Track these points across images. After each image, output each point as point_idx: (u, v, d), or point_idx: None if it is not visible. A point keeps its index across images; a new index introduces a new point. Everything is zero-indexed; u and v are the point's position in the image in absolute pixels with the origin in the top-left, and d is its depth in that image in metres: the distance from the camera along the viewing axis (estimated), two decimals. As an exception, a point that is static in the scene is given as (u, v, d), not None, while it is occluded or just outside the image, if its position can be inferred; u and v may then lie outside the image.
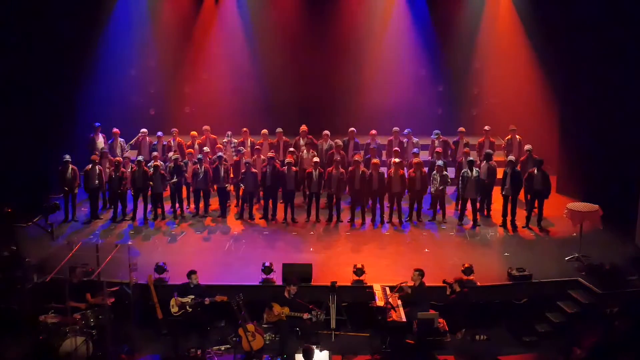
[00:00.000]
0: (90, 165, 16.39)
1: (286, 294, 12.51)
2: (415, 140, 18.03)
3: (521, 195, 16.44)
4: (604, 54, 16.35)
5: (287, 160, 16.72)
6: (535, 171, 15.85)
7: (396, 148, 17.57)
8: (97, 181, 16.41)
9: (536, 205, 16.11)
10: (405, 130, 18.13)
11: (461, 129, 18.23)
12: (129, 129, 19.07)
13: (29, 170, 16.59)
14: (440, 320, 12.05)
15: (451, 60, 21.18)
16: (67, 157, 16.34)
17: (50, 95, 17.22)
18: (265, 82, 21.02)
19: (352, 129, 18.12)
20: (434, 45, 21.12)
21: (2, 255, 13.56)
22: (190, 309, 12.38)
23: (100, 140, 17.86)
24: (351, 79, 21.04)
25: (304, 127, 18.13)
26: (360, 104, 20.63)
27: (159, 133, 18.22)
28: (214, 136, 18.36)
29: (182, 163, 16.84)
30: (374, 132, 18.12)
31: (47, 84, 17.07)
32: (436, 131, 18.19)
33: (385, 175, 16.36)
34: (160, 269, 13.37)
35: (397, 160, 16.56)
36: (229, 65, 21.23)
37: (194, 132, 18.26)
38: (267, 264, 13.52)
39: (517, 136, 18.08)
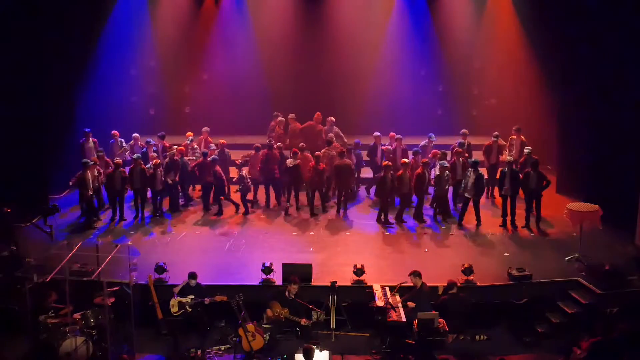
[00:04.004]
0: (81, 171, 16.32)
1: (287, 294, 12.53)
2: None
3: (521, 195, 16.44)
4: (603, 54, 16.36)
5: (278, 144, 17.43)
6: (532, 171, 15.86)
7: (381, 153, 17.77)
8: (96, 184, 16.39)
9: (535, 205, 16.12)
10: (430, 135, 18.18)
11: (464, 130, 18.19)
12: (129, 129, 19.04)
13: (29, 171, 16.56)
14: (440, 320, 12.04)
15: (451, 60, 21.19)
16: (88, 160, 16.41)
17: (50, 95, 17.20)
18: (264, 83, 21.01)
19: (377, 133, 18.04)
20: (434, 45, 21.14)
21: (2, 255, 13.59)
22: (190, 309, 12.39)
23: (90, 146, 17.64)
24: (351, 79, 21.03)
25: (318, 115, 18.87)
26: (359, 104, 20.66)
27: (149, 139, 18.15)
28: (211, 139, 18.50)
29: (177, 159, 16.96)
30: (393, 134, 18.10)
31: (47, 84, 17.05)
32: (430, 134, 18.23)
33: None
34: (160, 269, 13.37)
35: (405, 160, 16.64)
36: (229, 66, 21.24)
37: (189, 133, 18.31)
38: (267, 264, 13.52)
39: (522, 137, 18.03)
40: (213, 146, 18.11)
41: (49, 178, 17.24)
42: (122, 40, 20.17)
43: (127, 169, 16.76)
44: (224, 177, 16.81)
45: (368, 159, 18.12)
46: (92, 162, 16.41)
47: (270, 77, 20.99)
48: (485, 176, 16.89)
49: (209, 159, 16.85)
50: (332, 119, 18.77)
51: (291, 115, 19.00)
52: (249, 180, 17.01)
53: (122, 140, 18.20)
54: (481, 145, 18.23)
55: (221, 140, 18.33)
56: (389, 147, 17.84)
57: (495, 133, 18.03)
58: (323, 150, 17.53)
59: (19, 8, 16.23)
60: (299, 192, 17.34)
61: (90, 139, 17.77)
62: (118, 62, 20.35)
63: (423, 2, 21.06)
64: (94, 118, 18.78)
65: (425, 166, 16.38)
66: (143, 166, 16.46)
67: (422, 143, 18.05)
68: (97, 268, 11.94)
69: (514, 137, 18.13)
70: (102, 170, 16.63)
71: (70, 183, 16.70)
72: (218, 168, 16.64)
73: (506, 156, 17.37)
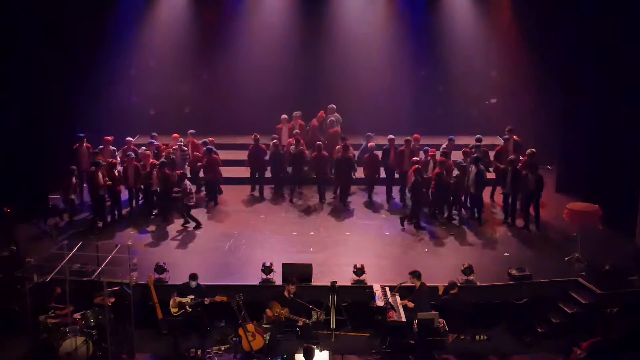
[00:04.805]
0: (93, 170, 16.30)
1: (286, 294, 12.54)
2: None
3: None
4: (604, 54, 16.37)
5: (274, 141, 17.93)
6: (529, 173, 15.83)
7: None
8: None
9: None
10: (451, 137, 18.06)
11: (478, 136, 17.94)
12: (129, 130, 19.06)
13: (29, 171, 16.56)
14: (440, 320, 12.05)
15: (451, 60, 21.18)
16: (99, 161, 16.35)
17: (50, 95, 17.20)
18: (265, 83, 20.91)
19: (391, 136, 17.89)
20: (434, 44, 21.12)
21: (2, 255, 13.59)
22: (190, 309, 12.39)
23: (84, 151, 17.39)
24: (351, 79, 20.98)
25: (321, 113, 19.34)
26: (360, 104, 20.62)
27: (152, 140, 18.12)
28: (197, 141, 18.41)
29: (174, 156, 17.17)
30: (417, 135, 18.04)
31: (48, 84, 17.05)
32: (451, 137, 18.12)
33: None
34: (160, 269, 13.36)
35: (417, 158, 16.69)
36: (229, 66, 21.21)
37: (176, 135, 18.29)
38: (267, 264, 13.51)
39: (514, 137, 17.92)
40: (213, 147, 18.08)
41: (48, 178, 17.20)
42: (122, 40, 20.17)
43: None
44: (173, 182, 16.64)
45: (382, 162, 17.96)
46: (104, 163, 16.33)
47: (270, 78, 20.90)
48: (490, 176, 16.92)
49: (158, 162, 16.61)
50: (333, 106, 19.35)
51: (297, 113, 19.24)
52: (193, 195, 16.40)
53: (114, 148, 17.98)
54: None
55: (210, 138, 18.37)
56: (373, 144, 17.83)
57: (506, 136, 17.93)
58: (338, 147, 17.90)
59: (18, 9, 16.22)
60: (302, 181, 17.93)
61: (84, 144, 17.56)
62: (118, 62, 20.35)
63: (423, 2, 21.05)
64: (94, 118, 18.78)
65: (442, 165, 16.33)
66: (137, 163, 16.53)
67: (443, 145, 17.79)
68: (97, 268, 11.94)
69: (507, 137, 17.98)
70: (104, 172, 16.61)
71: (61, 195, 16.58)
72: (167, 172, 16.39)
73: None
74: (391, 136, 17.93)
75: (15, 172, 16.23)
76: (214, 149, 17.79)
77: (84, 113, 18.66)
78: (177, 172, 16.70)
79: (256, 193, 18.22)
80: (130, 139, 18.25)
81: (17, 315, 12.31)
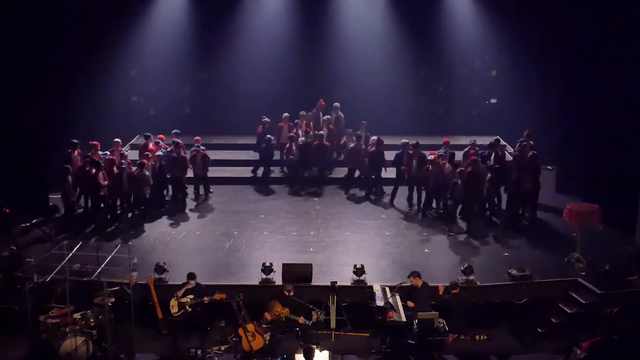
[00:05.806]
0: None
1: (285, 293, 12.55)
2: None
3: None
4: (605, 54, 16.39)
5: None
6: (526, 174, 15.83)
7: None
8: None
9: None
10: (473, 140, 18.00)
11: (497, 137, 17.96)
12: (128, 129, 19.06)
13: (29, 171, 16.56)
14: (440, 320, 12.04)
15: (451, 60, 21.20)
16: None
17: (51, 95, 17.21)
18: (265, 83, 20.98)
19: (405, 140, 17.65)
20: (435, 44, 21.14)
21: (2, 255, 13.59)
22: (190, 309, 12.39)
23: (76, 158, 17.01)
24: (351, 79, 21.04)
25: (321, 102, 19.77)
26: (359, 104, 20.63)
27: (157, 140, 18.15)
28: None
29: (179, 156, 17.19)
30: (447, 139, 18.04)
31: (48, 85, 17.08)
32: (473, 140, 18.05)
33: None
34: (160, 268, 13.36)
35: (430, 157, 16.73)
36: (229, 66, 21.24)
37: (161, 135, 18.25)
38: (267, 264, 13.51)
39: (531, 142, 17.86)
40: (203, 147, 18.08)
41: (48, 178, 17.20)
42: (122, 40, 20.18)
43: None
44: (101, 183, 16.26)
45: (395, 167, 17.88)
46: (104, 164, 16.31)
47: (270, 77, 20.98)
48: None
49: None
50: (337, 104, 19.61)
51: (305, 113, 19.53)
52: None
53: (101, 153, 17.95)
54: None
55: (196, 138, 18.30)
56: (375, 138, 18.06)
57: (523, 140, 17.83)
58: (352, 146, 18.31)
59: (18, 10, 16.23)
60: (309, 168, 18.82)
61: (77, 150, 17.16)
62: (118, 62, 20.36)
63: (423, 2, 21.05)
64: (93, 118, 18.77)
65: (474, 165, 16.16)
66: (128, 161, 16.54)
67: (466, 149, 17.60)
68: (97, 268, 11.94)
69: (523, 140, 17.91)
70: (105, 173, 16.61)
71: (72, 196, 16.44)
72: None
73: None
74: (404, 140, 17.74)
75: (15, 173, 16.23)
76: (201, 147, 17.86)
77: (83, 113, 18.66)
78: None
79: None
80: (118, 140, 17.95)
81: (17, 315, 12.30)
